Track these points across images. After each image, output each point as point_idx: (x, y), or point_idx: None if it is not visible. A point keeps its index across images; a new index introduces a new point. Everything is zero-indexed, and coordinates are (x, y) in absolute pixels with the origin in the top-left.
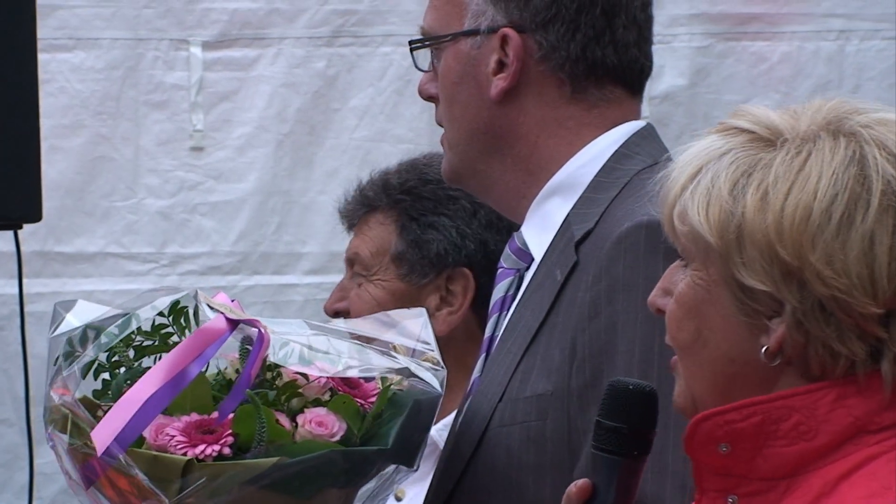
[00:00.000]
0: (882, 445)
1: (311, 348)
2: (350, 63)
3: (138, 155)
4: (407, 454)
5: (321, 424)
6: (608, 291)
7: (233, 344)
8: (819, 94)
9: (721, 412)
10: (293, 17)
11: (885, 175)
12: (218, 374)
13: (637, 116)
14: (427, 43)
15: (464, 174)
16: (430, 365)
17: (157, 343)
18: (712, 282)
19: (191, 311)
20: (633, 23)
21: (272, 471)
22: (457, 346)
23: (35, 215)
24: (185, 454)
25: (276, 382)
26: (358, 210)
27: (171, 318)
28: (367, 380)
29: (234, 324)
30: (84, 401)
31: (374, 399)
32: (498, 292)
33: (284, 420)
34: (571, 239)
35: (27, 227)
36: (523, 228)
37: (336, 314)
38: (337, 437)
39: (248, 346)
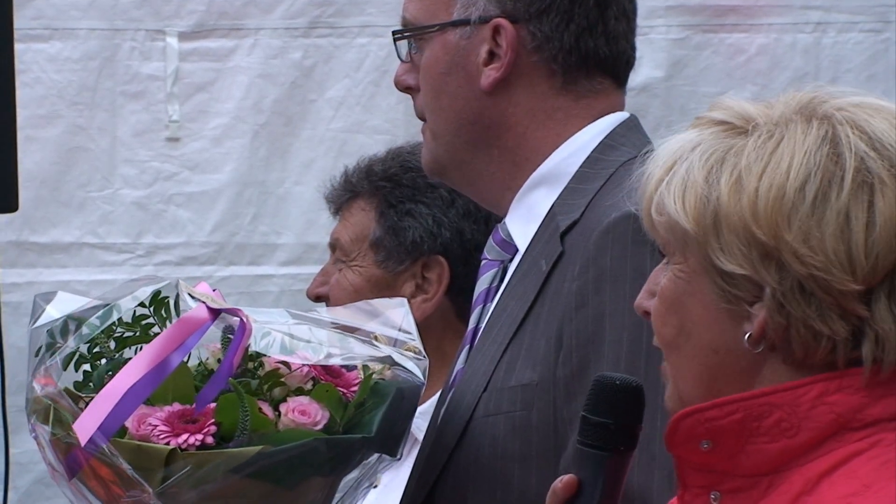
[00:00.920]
0: (864, 443)
1: (292, 337)
2: (327, 54)
3: (114, 145)
4: (390, 443)
5: (304, 413)
6: (595, 281)
7: (214, 334)
8: (796, 86)
9: (702, 409)
10: (270, 8)
11: (857, 152)
12: (199, 364)
13: (622, 108)
14: (411, 33)
15: (447, 165)
16: (413, 354)
17: (138, 334)
18: (692, 272)
19: (171, 302)
20: (623, 14)
21: (256, 459)
22: (433, 333)
23: (11, 205)
24: (167, 444)
25: (258, 372)
26: (342, 196)
27: (152, 309)
28: (349, 369)
29: (215, 313)
30: (66, 392)
31: (356, 388)
32: (482, 284)
33: (267, 409)
34: (557, 229)
35: (2, 217)
36: (507, 220)
37: (318, 298)
38: (320, 426)
39: (229, 336)
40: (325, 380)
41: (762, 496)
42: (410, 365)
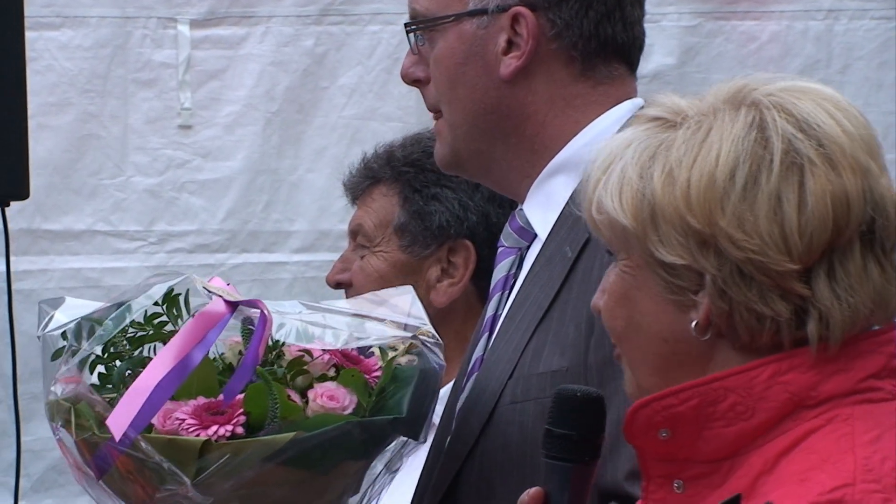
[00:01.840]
0: (820, 419)
1: (311, 324)
2: (339, 41)
3: (126, 133)
4: (415, 426)
5: (332, 398)
6: None
7: (231, 328)
8: (808, 73)
9: (658, 398)
10: None
11: (784, 134)
12: (214, 359)
13: (636, 94)
14: (426, 25)
15: (465, 156)
16: (426, 338)
17: (151, 332)
18: (637, 266)
19: (181, 300)
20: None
21: (290, 445)
22: (456, 318)
23: (22, 193)
24: (197, 436)
25: (280, 362)
26: (362, 182)
27: (165, 307)
28: (367, 356)
29: (233, 306)
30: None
31: (377, 374)
32: (500, 271)
33: (295, 396)
34: (580, 216)
35: (15, 205)
36: (525, 207)
37: (338, 285)
38: (349, 411)
39: (250, 327)
40: (346, 366)
41: (724, 480)
42: (430, 343)
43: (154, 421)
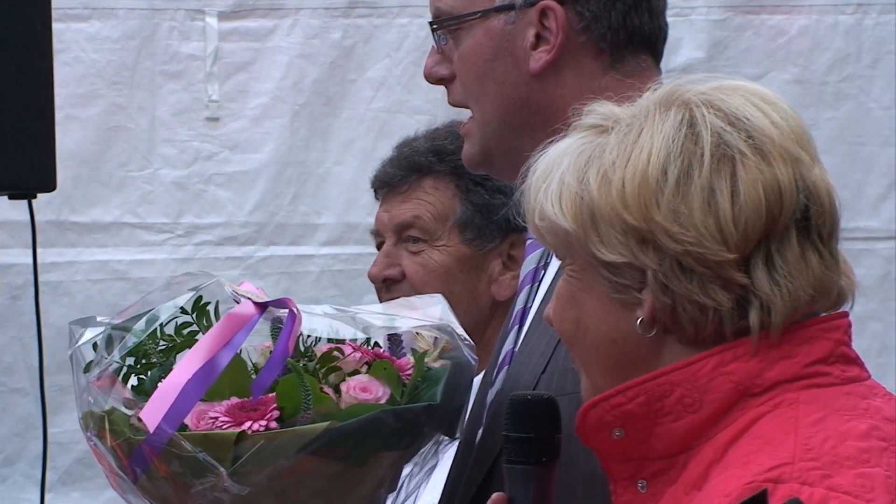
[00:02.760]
0: (766, 406)
1: (342, 320)
2: (366, 34)
3: (154, 125)
4: (449, 422)
5: (365, 390)
6: None
7: (261, 332)
8: (837, 68)
9: (606, 397)
10: None
11: (714, 128)
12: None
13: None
14: (451, 22)
15: (494, 153)
16: (459, 337)
17: (181, 341)
18: (581, 269)
19: (211, 309)
20: None
21: (324, 435)
22: (506, 311)
23: (49, 185)
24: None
25: (311, 356)
26: (407, 176)
27: (194, 315)
28: (398, 356)
29: (262, 307)
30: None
31: (409, 373)
32: (528, 264)
33: (327, 389)
34: None
35: (42, 197)
36: None
37: (385, 281)
38: (382, 402)
39: (279, 325)
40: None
41: (680, 474)
42: (461, 333)
43: (187, 421)
